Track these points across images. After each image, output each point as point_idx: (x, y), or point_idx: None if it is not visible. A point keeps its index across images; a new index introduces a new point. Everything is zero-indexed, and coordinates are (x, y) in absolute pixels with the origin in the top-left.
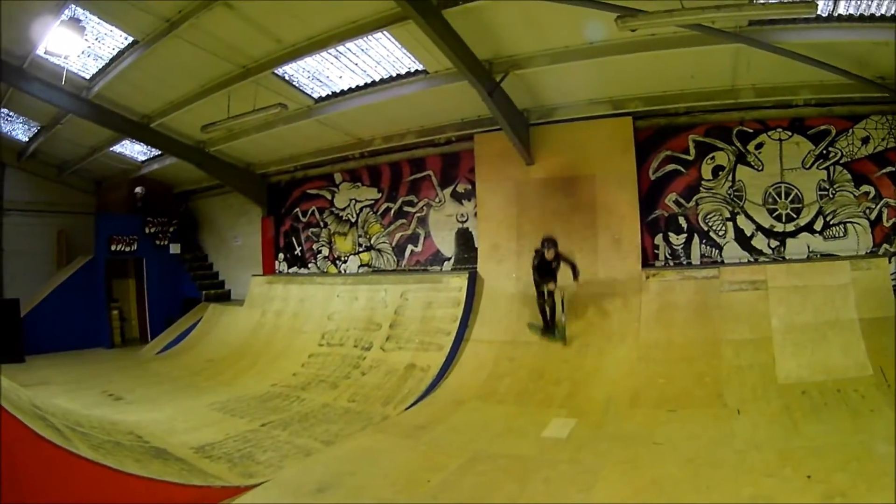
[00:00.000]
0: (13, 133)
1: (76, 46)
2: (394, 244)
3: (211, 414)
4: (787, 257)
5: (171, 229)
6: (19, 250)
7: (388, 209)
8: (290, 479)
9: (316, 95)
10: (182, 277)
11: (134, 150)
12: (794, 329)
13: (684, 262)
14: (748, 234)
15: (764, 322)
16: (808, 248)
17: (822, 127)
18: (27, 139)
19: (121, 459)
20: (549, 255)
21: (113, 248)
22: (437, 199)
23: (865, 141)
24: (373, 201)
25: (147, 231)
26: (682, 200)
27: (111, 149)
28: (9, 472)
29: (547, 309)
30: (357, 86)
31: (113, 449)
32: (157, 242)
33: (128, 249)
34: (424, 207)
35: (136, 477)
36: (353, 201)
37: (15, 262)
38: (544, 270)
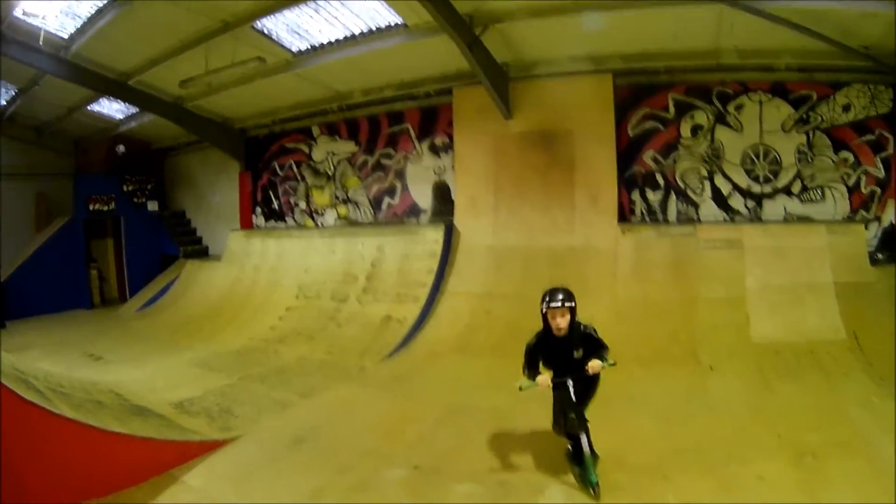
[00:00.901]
0: None
1: (54, 6)
2: (371, 197)
3: (190, 370)
4: (763, 218)
5: (149, 186)
6: None
7: (365, 162)
8: (267, 432)
9: (295, 49)
10: (160, 234)
11: (112, 108)
12: (770, 290)
13: (660, 219)
14: (725, 194)
15: (739, 281)
16: (785, 210)
17: (803, 92)
18: (4, 103)
19: (102, 418)
20: (561, 322)
21: (91, 207)
22: (414, 153)
23: (846, 108)
24: (350, 154)
25: (125, 189)
26: (659, 158)
27: (89, 108)
28: None
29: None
30: (336, 39)
31: (94, 408)
32: (136, 200)
33: (106, 209)
34: (402, 160)
35: (117, 434)
36: (331, 154)
37: None
38: (552, 354)
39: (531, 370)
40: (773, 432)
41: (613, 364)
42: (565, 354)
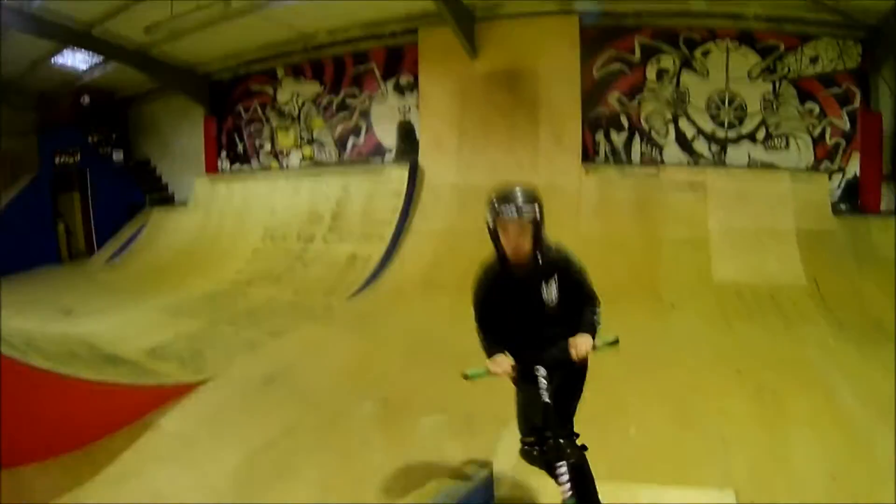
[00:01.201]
0: None
1: None
2: (336, 137)
3: (160, 316)
4: (727, 163)
5: (114, 136)
6: None
7: (330, 103)
8: (238, 373)
9: None
10: (126, 184)
11: (76, 59)
12: (732, 232)
13: (624, 161)
14: (689, 137)
15: (702, 223)
16: (749, 156)
17: (771, 42)
18: None
19: (76, 368)
20: (519, 242)
21: (57, 161)
22: (379, 92)
23: (814, 60)
24: (315, 95)
25: (90, 140)
26: (624, 100)
27: (52, 61)
28: None
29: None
30: None
31: (68, 359)
32: (101, 151)
33: (71, 161)
34: (367, 100)
35: (91, 382)
36: (296, 96)
37: None
38: (511, 297)
39: (486, 336)
40: (732, 369)
41: (615, 343)
42: (530, 296)
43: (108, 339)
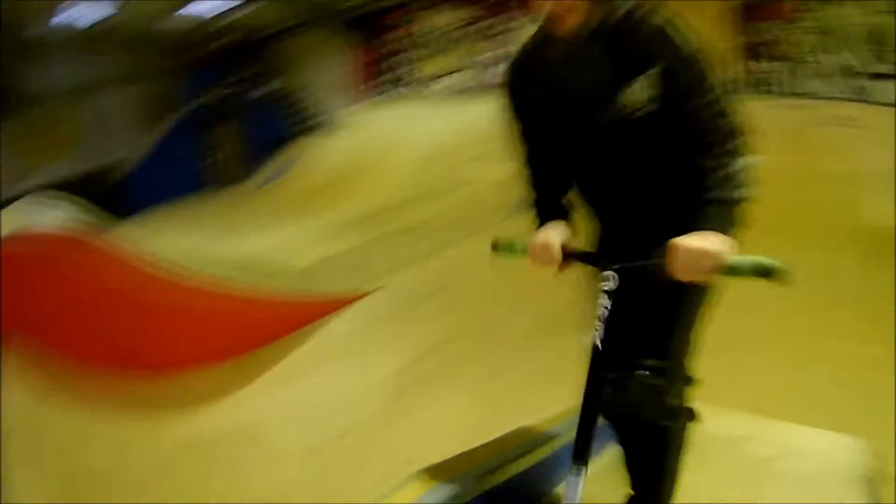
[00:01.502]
0: (87, 18)
1: None
2: (484, 63)
3: (319, 235)
4: (881, 100)
5: (258, 73)
6: (112, 120)
7: (480, 28)
8: (401, 286)
9: None
10: (274, 117)
11: (208, 5)
12: (882, 171)
13: (772, 92)
14: (843, 71)
15: (851, 160)
16: None
17: None
18: (102, 17)
19: (239, 284)
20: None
21: (203, 100)
22: (527, 18)
23: None
24: (465, 21)
25: (233, 79)
26: (774, 29)
27: (189, 7)
28: (140, 309)
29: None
30: None
31: (233, 273)
32: (245, 87)
33: (218, 98)
34: (515, 25)
35: (257, 297)
36: (445, 22)
37: (111, 132)
38: (549, 98)
39: (536, 184)
40: (868, 312)
41: (769, 273)
42: (587, 101)
43: (268, 256)
